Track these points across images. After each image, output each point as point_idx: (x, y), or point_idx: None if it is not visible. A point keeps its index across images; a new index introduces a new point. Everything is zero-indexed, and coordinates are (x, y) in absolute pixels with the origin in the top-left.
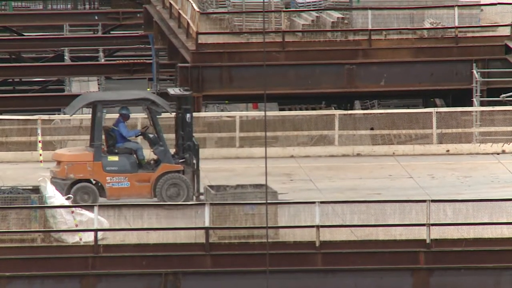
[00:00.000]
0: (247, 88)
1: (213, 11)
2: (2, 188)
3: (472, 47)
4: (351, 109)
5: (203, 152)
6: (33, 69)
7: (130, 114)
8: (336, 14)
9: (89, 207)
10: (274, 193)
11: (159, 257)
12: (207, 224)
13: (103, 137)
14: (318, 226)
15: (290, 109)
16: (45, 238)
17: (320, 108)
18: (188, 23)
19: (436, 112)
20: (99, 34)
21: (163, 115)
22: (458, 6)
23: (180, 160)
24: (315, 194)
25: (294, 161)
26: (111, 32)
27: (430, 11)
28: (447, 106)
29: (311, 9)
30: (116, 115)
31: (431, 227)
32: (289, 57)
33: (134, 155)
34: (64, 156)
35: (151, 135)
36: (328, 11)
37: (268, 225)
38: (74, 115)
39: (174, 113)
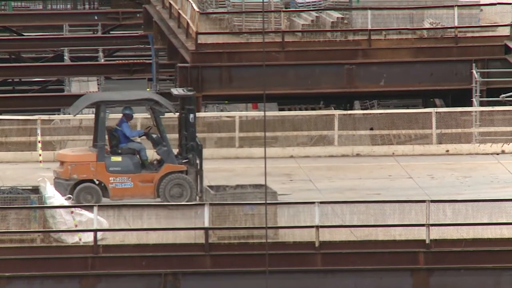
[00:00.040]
0: (247, 88)
1: (213, 11)
2: (2, 188)
3: (471, 47)
4: (351, 109)
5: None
6: (33, 69)
7: (133, 114)
8: (336, 14)
9: (89, 207)
10: (273, 193)
11: (158, 257)
12: (206, 225)
13: (106, 137)
14: (317, 227)
15: (289, 109)
16: (45, 239)
17: (320, 108)
18: (187, 23)
19: (436, 112)
20: (99, 34)
21: (166, 115)
22: (458, 6)
23: (184, 161)
24: (314, 194)
25: (294, 161)
26: (111, 32)
27: (430, 11)
28: (447, 106)
29: (311, 9)
30: (119, 115)
31: (430, 227)
32: (288, 57)
33: (138, 156)
34: (68, 157)
35: (154, 136)
36: (328, 11)
37: (268, 226)
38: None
39: (178, 113)
